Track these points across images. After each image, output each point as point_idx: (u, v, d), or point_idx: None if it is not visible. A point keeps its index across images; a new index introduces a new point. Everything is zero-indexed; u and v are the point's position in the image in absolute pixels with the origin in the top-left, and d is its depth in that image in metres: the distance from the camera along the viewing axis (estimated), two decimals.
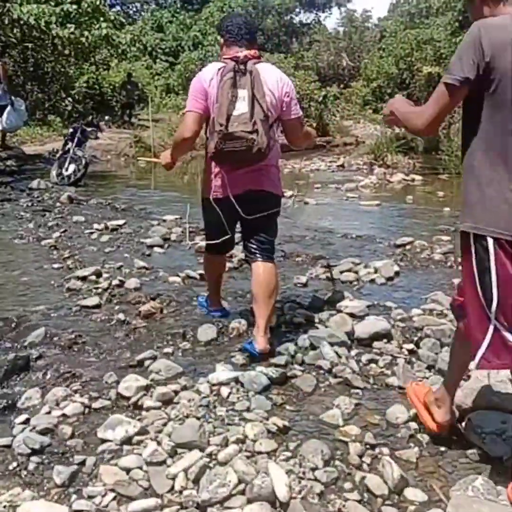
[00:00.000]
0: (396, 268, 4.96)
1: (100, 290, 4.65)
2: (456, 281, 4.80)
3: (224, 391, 3.07)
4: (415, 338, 3.65)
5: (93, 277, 4.90)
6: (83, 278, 4.90)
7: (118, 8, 55.99)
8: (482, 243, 2.16)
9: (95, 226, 6.66)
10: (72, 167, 9.72)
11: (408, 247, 5.71)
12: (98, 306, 4.36)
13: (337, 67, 52.78)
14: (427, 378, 3.26)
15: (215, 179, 3.58)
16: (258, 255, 3.61)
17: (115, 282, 4.74)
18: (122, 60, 24.04)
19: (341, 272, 4.88)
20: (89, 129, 10.06)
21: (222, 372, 3.24)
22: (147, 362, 3.46)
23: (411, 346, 3.58)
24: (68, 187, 9.37)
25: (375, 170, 12.50)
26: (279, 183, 3.72)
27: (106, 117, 11.53)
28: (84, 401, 3.05)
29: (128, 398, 3.07)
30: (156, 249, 5.86)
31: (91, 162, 13.24)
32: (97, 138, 10.45)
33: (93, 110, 21.02)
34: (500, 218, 2.13)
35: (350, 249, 5.69)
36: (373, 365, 3.42)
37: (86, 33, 18.81)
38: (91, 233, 6.47)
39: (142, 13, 50.48)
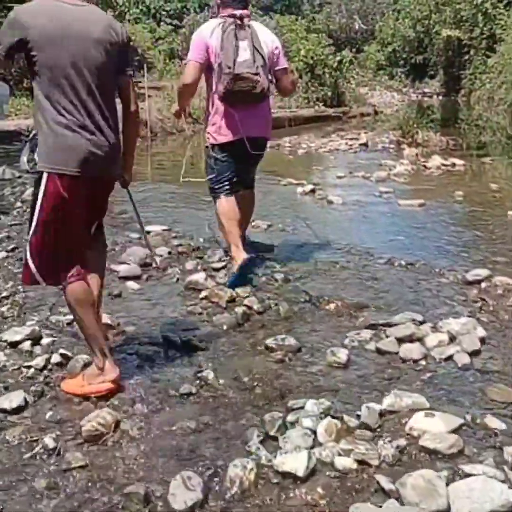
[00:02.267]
0: (481, 331, 3.29)
1: (31, 372, 3.03)
2: None
3: None
4: None
5: (27, 344, 3.27)
6: (13, 345, 3.28)
7: None
8: None
9: None
10: None
11: (484, 285, 4.03)
12: (21, 408, 2.75)
13: (349, 30, 50.56)
14: None
15: (225, 124, 4.13)
16: (247, 186, 4.56)
17: (55, 358, 3.11)
18: (121, 22, 22.13)
19: (399, 341, 3.22)
20: None
21: None
22: None
23: None
24: None
25: (405, 151, 10.71)
26: (270, 123, 4.40)
27: None
28: None
29: None
30: (130, 284, 4.21)
31: None
32: None
33: None
34: None
35: (403, 288, 4.02)
36: None
37: None
38: None
39: None
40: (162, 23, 33.68)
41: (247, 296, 3.88)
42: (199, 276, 4.18)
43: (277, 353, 3.17)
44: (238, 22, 3.99)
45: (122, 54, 2.76)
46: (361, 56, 43.45)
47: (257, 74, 3.92)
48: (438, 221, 5.76)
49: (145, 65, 16.02)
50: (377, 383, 2.87)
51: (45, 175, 2.61)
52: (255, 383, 2.90)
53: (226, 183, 4.29)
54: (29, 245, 2.69)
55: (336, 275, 4.26)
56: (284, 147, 11.71)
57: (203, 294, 3.97)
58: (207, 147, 4.31)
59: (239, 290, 3.95)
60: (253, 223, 5.55)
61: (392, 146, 11.58)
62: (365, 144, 11.71)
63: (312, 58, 21.45)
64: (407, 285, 4.05)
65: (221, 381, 2.90)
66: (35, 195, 2.66)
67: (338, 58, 23.25)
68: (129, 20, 24.83)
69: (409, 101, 35.66)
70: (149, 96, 14.84)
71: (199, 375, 2.94)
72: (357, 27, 52.91)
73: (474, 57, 39.15)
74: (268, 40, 4.13)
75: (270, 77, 4.15)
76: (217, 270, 4.42)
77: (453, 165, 9.21)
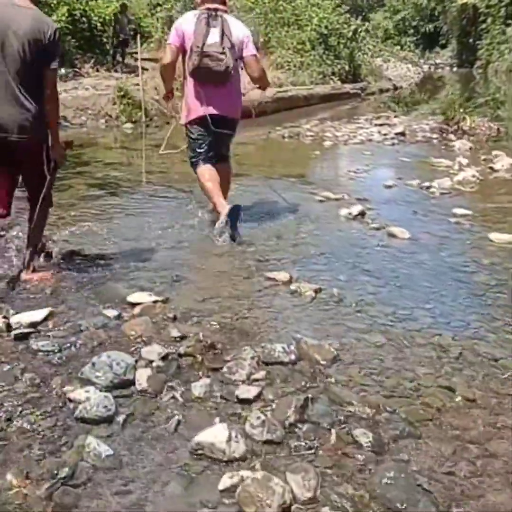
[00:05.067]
0: None
1: None
2: None
3: None
4: None
5: None
6: None
7: None
8: None
9: None
10: None
11: None
12: None
13: None
14: None
15: (193, 102, 4.62)
16: (219, 159, 4.82)
17: None
18: None
19: None
20: None
21: None
22: None
23: None
24: None
25: (455, 143, 8.80)
26: (237, 104, 4.76)
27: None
28: None
29: None
30: (92, 441, 2.31)
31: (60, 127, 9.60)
32: None
33: (77, 49, 17.25)
34: None
35: None
36: None
37: None
38: None
39: None
40: None
41: (313, 497, 2.03)
42: (216, 433, 2.30)
43: None
44: (212, 13, 4.53)
45: (46, 50, 3.43)
46: (372, 24, 40.99)
47: (223, 53, 4.43)
48: None
49: (138, 36, 13.97)
50: None
51: None
52: None
53: (202, 156, 4.72)
54: None
55: (465, 430, 2.37)
56: (306, 137, 9.76)
57: (227, 482, 2.11)
58: (185, 127, 4.79)
59: (293, 480, 2.08)
60: (294, 286, 3.67)
61: (434, 135, 9.64)
62: (403, 134, 9.75)
63: (326, 27, 19.30)
64: None
65: None
66: None
67: (352, 27, 21.11)
68: None
69: (425, 73, 33.43)
70: (144, 69, 12.81)
71: None
72: None
73: (492, 26, 36.83)
74: (239, 30, 4.62)
75: (237, 61, 4.58)
76: (247, 403, 2.55)
77: None
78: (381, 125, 10.75)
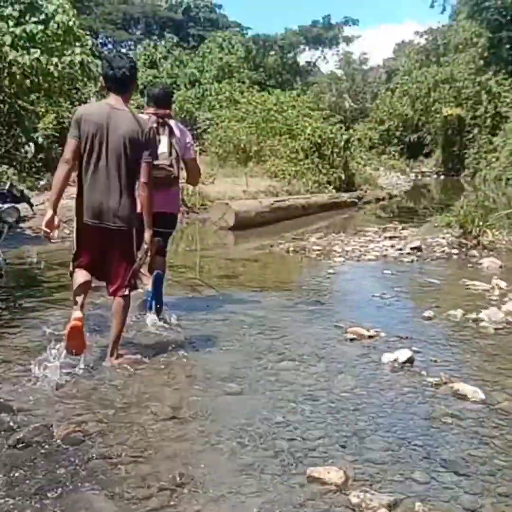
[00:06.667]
0: None
1: None
2: None
3: None
4: None
5: None
6: None
7: (110, 46, 52.97)
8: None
9: None
10: None
11: None
12: None
13: (339, 109, 48.91)
14: None
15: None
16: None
17: None
18: (103, 97, 19.62)
19: None
20: (4, 206, 5.29)
21: None
22: None
23: None
24: None
25: (483, 262, 7.90)
26: (178, 202, 5.29)
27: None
28: None
29: None
30: None
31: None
32: (19, 222, 5.75)
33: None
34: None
35: None
36: None
37: (54, 59, 14.32)
38: None
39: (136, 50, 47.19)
40: None
41: None
42: None
43: None
44: (160, 120, 4.85)
45: (141, 146, 3.90)
46: (359, 134, 41.55)
47: (171, 165, 4.81)
48: None
49: None
50: None
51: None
52: None
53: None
54: None
55: None
56: (313, 251, 8.82)
57: None
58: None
59: None
60: (355, 497, 2.51)
61: (454, 251, 8.73)
62: (419, 249, 8.84)
63: (319, 136, 18.92)
64: None
65: None
66: None
67: (345, 136, 20.83)
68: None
69: (414, 182, 33.43)
70: None
71: None
72: (347, 105, 51.73)
73: (478, 136, 37.29)
74: (182, 135, 4.99)
75: (181, 165, 5.01)
76: None
77: None
78: (391, 237, 9.90)
